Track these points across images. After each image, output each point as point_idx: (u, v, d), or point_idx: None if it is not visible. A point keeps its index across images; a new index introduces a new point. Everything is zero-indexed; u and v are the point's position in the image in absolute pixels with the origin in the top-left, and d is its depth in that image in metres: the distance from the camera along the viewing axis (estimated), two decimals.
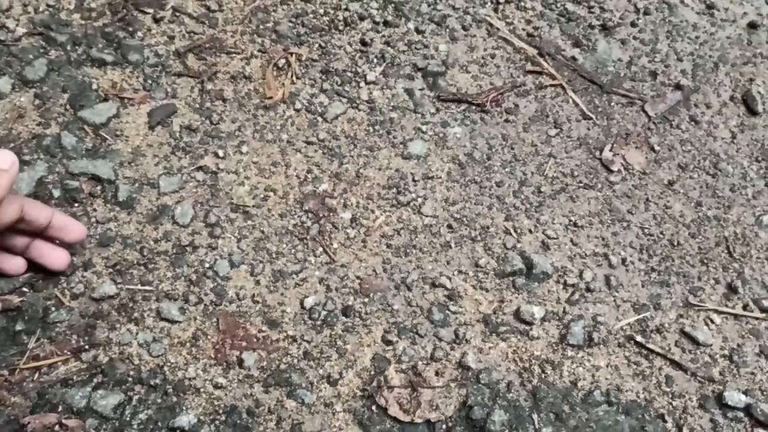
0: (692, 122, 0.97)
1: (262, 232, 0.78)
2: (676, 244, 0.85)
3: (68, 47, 0.87)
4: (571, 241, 0.84)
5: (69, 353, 0.67)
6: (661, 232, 0.86)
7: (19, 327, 0.68)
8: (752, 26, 1.08)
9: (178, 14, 0.93)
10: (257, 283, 0.75)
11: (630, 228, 0.86)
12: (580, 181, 0.89)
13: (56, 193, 0.76)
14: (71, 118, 0.81)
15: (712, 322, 0.80)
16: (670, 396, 0.75)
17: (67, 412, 0.64)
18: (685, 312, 0.80)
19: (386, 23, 0.97)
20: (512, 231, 0.83)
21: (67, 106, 0.82)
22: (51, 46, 0.86)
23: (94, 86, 0.84)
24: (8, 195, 0.62)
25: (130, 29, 0.90)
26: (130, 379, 0.67)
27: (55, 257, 0.70)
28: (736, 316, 0.81)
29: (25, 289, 0.70)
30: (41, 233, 0.69)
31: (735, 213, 0.89)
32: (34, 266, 0.71)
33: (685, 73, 1.01)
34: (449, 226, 0.82)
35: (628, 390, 0.75)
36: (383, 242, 0.80)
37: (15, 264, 0.69)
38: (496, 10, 1.02)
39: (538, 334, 0.77)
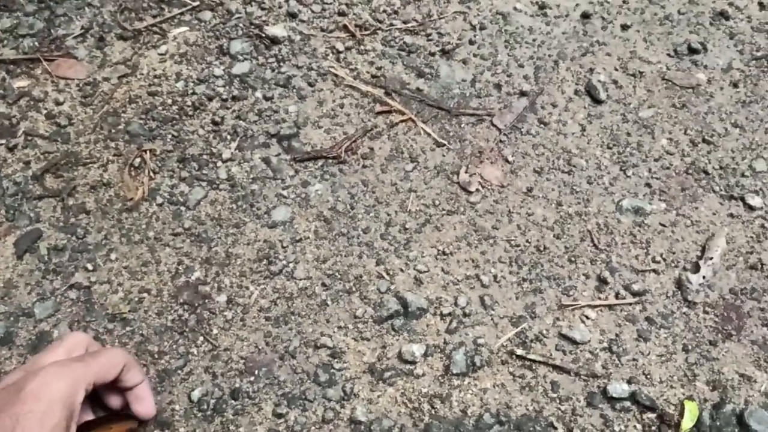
0: (541, 125, 0.99)
1: (142, 335, 0.80)
2: (542, 248, 0.88)
3: None
4: (443, 270, 0.86)
5: None
6: (527, 240, 0.89)
7: None
8: (585, 16, 1.11)
9: (30, 137, 0.95)
10: None
11: (497, 243, 0.89)
12: (443, 209, 0.91)
13: None
14: None
15: (588, 318, 0.83)
16: (558, 401, 0.77)
17: None
18: (561, 314, 0.83)
19: (234, 98, 1.00)
20: (384, 274, 0.86)
21: None
22: None
23: None
24: None
25: None
26: None
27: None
28: (609, 307, 0.84)
29: None
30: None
31: (595, 204, 0.92)
32: None
33: (527, 78, 1.04)
34: (323, 284, 0.85)
35: (517, 405, 0.77)
36: (261, 316, 0.82)
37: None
38: (338, 60, 1.05)
39: (423, 371, 0.79)
